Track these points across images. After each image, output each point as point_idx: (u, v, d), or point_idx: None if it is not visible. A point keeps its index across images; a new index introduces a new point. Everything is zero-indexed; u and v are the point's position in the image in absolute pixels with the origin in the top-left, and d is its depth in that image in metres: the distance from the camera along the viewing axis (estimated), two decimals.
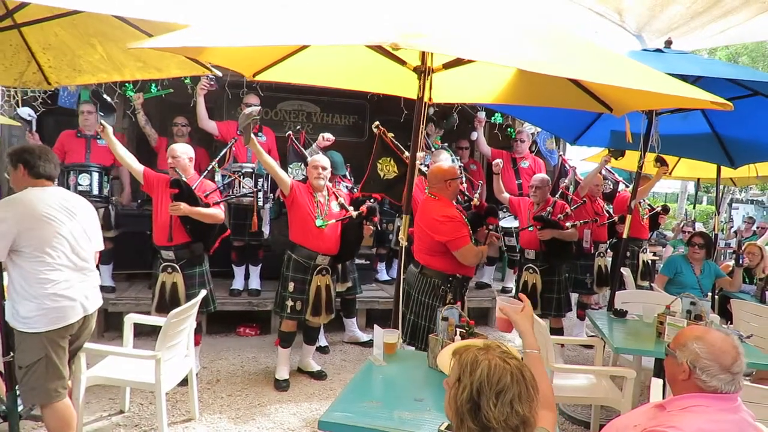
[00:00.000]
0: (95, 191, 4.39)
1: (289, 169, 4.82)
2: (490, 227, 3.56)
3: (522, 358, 1.47)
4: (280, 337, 3.97)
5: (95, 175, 4.41)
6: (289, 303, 3.82)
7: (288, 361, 4.00)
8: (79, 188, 4.31)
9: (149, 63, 3.01)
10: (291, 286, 3.82)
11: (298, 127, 5.35)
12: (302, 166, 4.71)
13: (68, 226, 2.57)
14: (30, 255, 2.44)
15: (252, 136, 3.59)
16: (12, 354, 2.67)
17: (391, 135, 3.92)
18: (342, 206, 3.92)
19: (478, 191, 4.52)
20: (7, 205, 2.44)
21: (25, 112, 4.40)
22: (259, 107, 4.31)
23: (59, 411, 2.56)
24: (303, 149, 4.77)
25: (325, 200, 3.86)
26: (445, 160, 4.40)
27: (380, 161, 3.87)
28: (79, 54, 2.99)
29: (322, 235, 3.79)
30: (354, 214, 3.85)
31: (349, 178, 5.03)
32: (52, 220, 2.50)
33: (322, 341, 4.70)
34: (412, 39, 1.60)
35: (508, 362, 1.33)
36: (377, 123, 3.86)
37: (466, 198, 4.32)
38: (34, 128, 4.44)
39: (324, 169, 3.83)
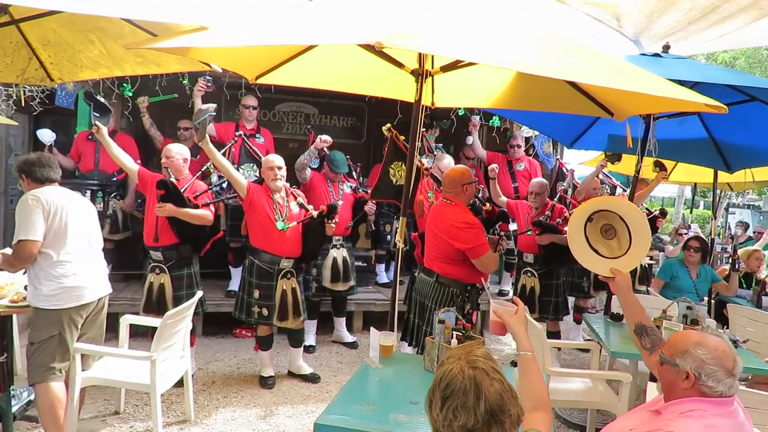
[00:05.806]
0: None
1: (241, 170, 4.59)
2: (502, 234, 3.47)
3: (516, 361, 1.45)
4: (258, 342, 3.97)
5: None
6: (256, 309, 3.75)
7: (271, 361, 4.03)
8: None
9: (149, 58, 3.05)
10: (256, 293, 3.73)
11: (309, 126, 5.28)
12: (254, 167, 4.64)
13: (81, 214, 2.81)
14: (52, 239, 2.64)
15: (206, 135, 3.43)
16: (6, 355, 2.70)
17: (402, 138, 3.75)
18: (301, 206, 3.83)
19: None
20: (34, 196, 2.64)
21: (45, 136, 4.52)
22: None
23: (53, 391, 2.66)
24: (257, 151, 4.60)
25: (284, 201, 3.75)
26: (449, 164, 4.32)
27: (392, 166, 3.72)
28: (79, 49, 3.03)
29: (284, 238, 3.69)
30: (315, 213, 3.75)
31: (355, 178, 4.99)
32: (68, 209, 2.71)
33: (311, 341, 4.67)
34: (399, 39, 1.60)
35: (465, 371, 1.28)
36: (389, 125, 3.70)
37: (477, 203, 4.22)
38: (53, 148, 4.58)
39: (280, 168, 3.71)
